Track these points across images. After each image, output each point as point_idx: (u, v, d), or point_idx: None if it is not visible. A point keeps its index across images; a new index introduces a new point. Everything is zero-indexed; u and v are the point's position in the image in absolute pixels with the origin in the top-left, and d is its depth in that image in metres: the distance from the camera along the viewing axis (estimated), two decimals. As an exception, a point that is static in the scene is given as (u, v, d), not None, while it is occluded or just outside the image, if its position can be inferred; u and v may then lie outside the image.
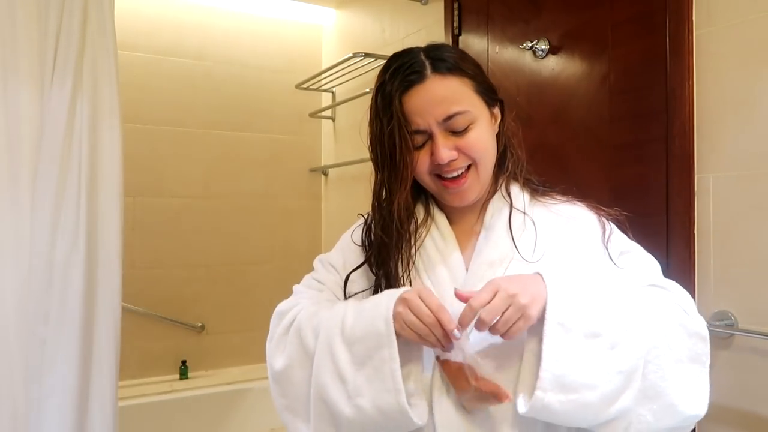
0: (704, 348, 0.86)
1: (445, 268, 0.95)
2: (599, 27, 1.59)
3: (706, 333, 0.87)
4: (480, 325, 0.79)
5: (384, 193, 0.95)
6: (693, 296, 0.93)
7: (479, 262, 0.93)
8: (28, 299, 1.59)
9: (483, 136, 0.93)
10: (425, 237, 0.98)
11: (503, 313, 0.78)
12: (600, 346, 0.79)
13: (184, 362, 2.62)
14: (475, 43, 2.01)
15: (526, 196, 0.99)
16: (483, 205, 0.98)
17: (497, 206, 0.97)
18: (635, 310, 0.83)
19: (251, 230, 2.81)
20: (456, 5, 2.07)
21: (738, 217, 1.30)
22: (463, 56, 0.95)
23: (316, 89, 2.85)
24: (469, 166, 0.93)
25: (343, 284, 1.01)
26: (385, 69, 0.94)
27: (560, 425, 0.84)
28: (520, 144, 1.00)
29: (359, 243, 1.02)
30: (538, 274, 0.83)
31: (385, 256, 0.95)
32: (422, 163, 0.92)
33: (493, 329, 0.79)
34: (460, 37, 2.08)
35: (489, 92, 0.95)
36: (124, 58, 2.34)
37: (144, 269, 2.55)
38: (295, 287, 1.08)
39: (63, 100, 1.63)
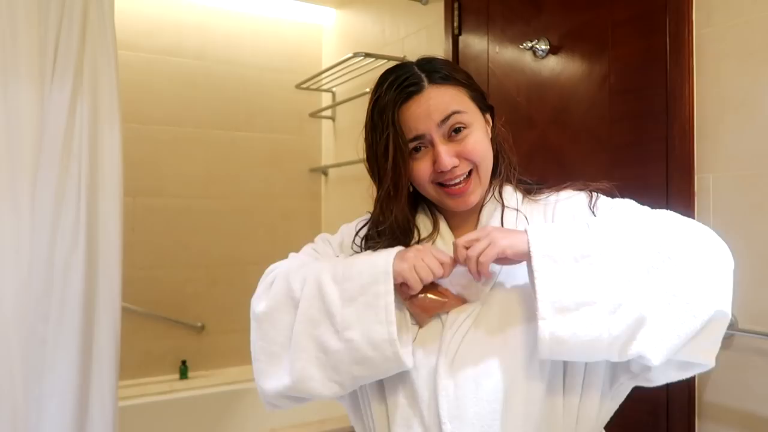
0: (715, 245, 0.83)
1: None
2: (599, 27, 1.59)
3: (714, 234, 0.84)
4: (456, 250, 0.86)
5: (383, 205, 0.96)
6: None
7: None
8: (28, 299, 1.59)
9: (482, 141, 0.95)
10: (434, 243, 1.00)
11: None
12: (592, 264, 0.79)
13: (184, 362, 2.62)
14: (475, 43, 2.01)
15: (519, 195, 1.01)
16: (479, 208, 1.01)
17: (491, 208, 0.99)
18: (627, 226, 0.83)
19: (251, 230, 2.81)
20: (456, 5, 2.07)
21: (738, 217, 1.30)
22: (455, 67, 0.98)
23: (316, 89, 2.85)
24: (470, 172, 0.94)
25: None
26: (380, 83, 0.96)
27: (582, 360, 0.84)
28: (511, 148, 1.04)
29: (362, 236, 1.03)
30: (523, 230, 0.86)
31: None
32: (423, 171, 0.93)
33: (467, 259, 0.85)
34: (460, 37, 2.08)
35: (481, 99, 0.98)
36: (124, 58, 2.34)
37: (144, 269, 2.55)
38: (291, 253, 1.09)
39: (63, 100, 1.63)
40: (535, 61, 1.77)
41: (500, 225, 0.96)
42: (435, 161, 0.92)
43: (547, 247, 0.81)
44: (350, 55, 2.40)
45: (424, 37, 2.27)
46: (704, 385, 1.33)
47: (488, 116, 1.00)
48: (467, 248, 0.86)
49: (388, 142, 0.91)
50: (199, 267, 2.69)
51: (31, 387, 1.59)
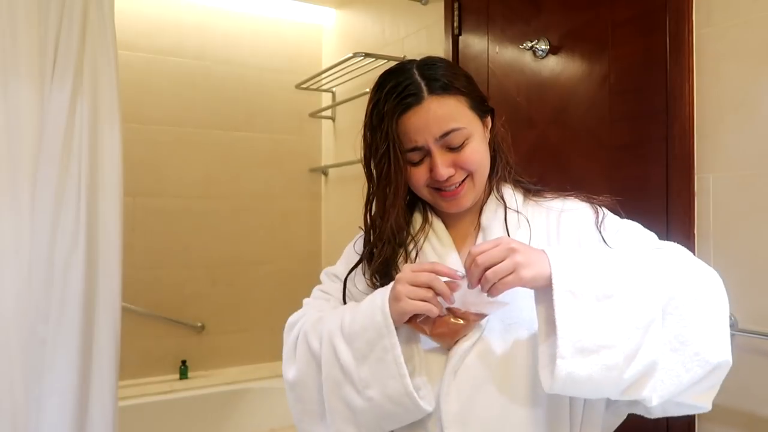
0: (721, 293, 0.85)
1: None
2: (599, 27, 1.59)
3: (718, 278, 0.86)
4: (473, 267, 0.82)
5: (377, 210, 0.99)
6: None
7: None
8: (28, 299, 1.59)
9: (478, 149, 0.96)
10: (423, 242, 1.01)
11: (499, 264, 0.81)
12: (613, 306, 0.78)
13: (184, 362, 2.62)
14: (475, 43, 2.01)
15: (519, 196, 1.02)
16: (478, 208, 1.02)
17: (492, 208, 1.00)
18: (644, 266, 0.83)
19: (251, 230, 2.81)
20: (456, 5, 2.07)
21: (738, 217, 1.30)
22: (455, 72, 0.97)
23: (316, 89, 2.85)
24: (465, 178, 0.96)
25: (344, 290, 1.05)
26: (379, 87, 0.96)
27: (585, 397, 0.85)
28: (509, 148, 1.05)
29: (360, 251, 1.05)
30: (543, 251, 0.83)
31: (385, 270, 0.98)
32: (420, 177, 0.95)
33: (483, 280, 0.81)
34: (460, 37, 2.08)
35: (481, 104, 0.98)
36: (124, 58, 2.34)
37: (144, 269, 2.55)
38: (305, 300, 1.12)
39: (63, 100, 1.63)
40: (535, 61, 1.77)
41: (504, 226, 0.97)
42: (432, 170, 0.93)
43: (569, 282, 0.79)
44: (350, 55, 2.40)
45: (424, 37, 2.27)
46: (704, 385, 1.33)
47: (488, 119, 1.01)
48: (486, 267, 0.82)
49: (388, 151, 0.93)
50: (199, 267, 2.69)
51: (31, 387, 1.59)
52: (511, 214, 0.98)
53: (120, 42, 1.80)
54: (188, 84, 2.67)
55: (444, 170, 0.93)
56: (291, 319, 1.05)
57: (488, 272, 0.81)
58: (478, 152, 0.95)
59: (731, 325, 1.28)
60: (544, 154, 1.72)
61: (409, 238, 1.01)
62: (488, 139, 1.01)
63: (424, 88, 0.92)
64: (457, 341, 0.89)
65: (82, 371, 1.63)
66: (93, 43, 1.69)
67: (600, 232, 0.95)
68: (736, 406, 1.29)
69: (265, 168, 2.85)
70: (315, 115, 2.91)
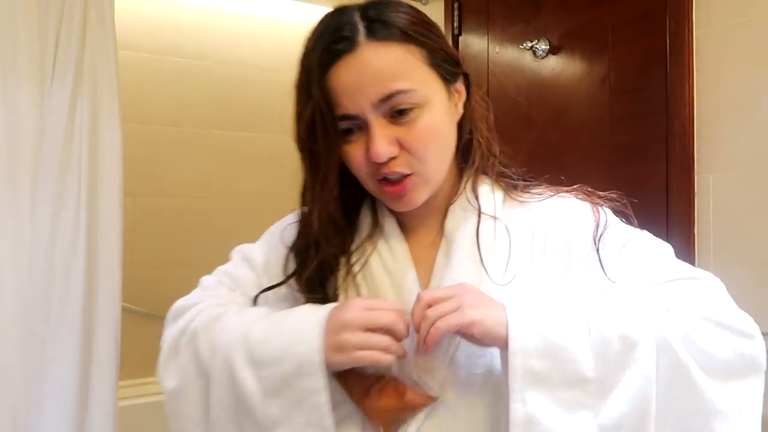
0: (754, 351, 0.66)
1: (396, 295, 0.74)
2: (599, 27, 1.59)
3: (751, 329, 0.68)
4: (415, 305, 0.64)
5: (308, 199, 0.78)
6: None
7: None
8: (28, 299, 1.59)
9: (436, 123, 0.70)
10: (370, 254, 0.76)
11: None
12: (589, 395, 0.60)
13: (184, 362, 2.62)
14: (475, 43, 2.01)
15: (499, 195, 0.77)
16: (440, 207, 0.78)
17: (461, 210, 0.76)
18: (640, 331, 0.62)
19: (251, 230, 2.78)
20: (456, 5, 2.07)
21: (738, 217, 1.30)
22: (416, 17, 0.71)
23: (316, 89, 2.84)
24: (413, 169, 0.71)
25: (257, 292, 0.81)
26: (311, 33, 0.73)
27: None
28: (490, 129, 0.79)
29: (288, 245, 0.82)
30: (501, 305, 0.65)
31: (314, 286, 0.75)
32: (357, 159, 0.71)
33: (424, 319, 0.63)
34: (460, 37, 2.08)
35: (448, 64, 0.73)
36: (124, 58, 2.34)
37: (144, 269, 2.55)
38: (204, 279, 0.90)
39: (63, 100, 1.63)
40: (535, 61, 1.77)
41: (474, 239, 0.72)
42: (368, 148, 0.69)
43: (532, 359, 0.60)
44: (350, 55, 2.39)
45: (424, 37, 2.27)
46: (704, 385, 1.33)
47: (458, 87, 0.75)
48: (429, 305, 0.64)
49: (312, 120, 0.72)
50: (199, 267, 2.67)
51: (31, 387, 1.59)
52: (486, 223, 0.73)
53: (120, 42, 1.80)
54: (188, 84, 2.67)
55: (382, 147, 0.67)
56: (179, 303, 0.86)
57: (430, 309, 0.63)
58: (434, 129, 0.70)
59: (731, 325, 1.28)
60: (544, 154, 1.72)
61: (354, 245, 0.77)
62: (460, 114, 0.76)
63: (362, 30, 0.67)
64: (392, 424, 0.67)
65: (82, 371, 1.63)
66: (93, 43, 1.69)
67: (598, 247, 0.72)
68: (736, 406, 1.28)
69: (265, 168, 2.84)
70: (315, 115, 2.90)
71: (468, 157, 0.77)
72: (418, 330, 0.64)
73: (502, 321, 0.62)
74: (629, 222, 0.78)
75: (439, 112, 0.71)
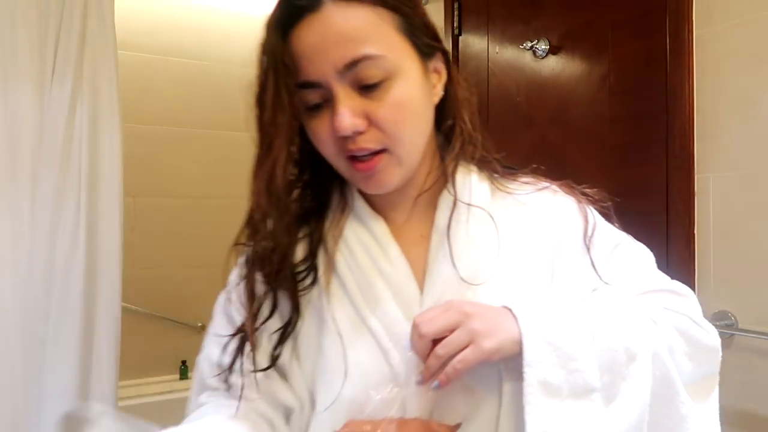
0: (714, 365, 0.70)
1: (391, 293, 0.68)
2: (599, 27, 1.59)
3: (716, 343, 0.70)
4: (415, 338, 0.59)
5: (253, 178, 0.70)
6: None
7: (440, 286, 0.67)
8: (28, 299, 1.59)
9: (409, 97, 0.64)
10: (346, 240, 0.70)
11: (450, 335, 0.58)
12: (594, 405, 0.60)
13: (184, 362, 2.62)
14: (475, 43, 2.01)
15: (486, 185, 0.72)
16: (426, 198, 0.71)
17: (450, 200, 0.70)
18: (638, 343, 0.63)
19: (251, 230, 2.80)
20: (456, 5, 2.07)
21: (738, 217, 1.30)
22: None
23: (316, 89, 2.84)
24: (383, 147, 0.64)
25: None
26: None
27: None
28: (473, 114, 0.72)
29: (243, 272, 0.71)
30: (508, 308, 0.62)
31: (270, 274, 0.68)
32: (323, 135, 0.64)
33: (432, 357, 0.58)
34: (460, 37, 2.08)
35: (424, 35, 0.66)
36: (124, 58, 2.34)
37: (144, 269, 2.55)
38: (198, 377, 0.79)
39: (63, 100, 1.63)
40: (535, 61, 1.77)
41: (465, 231, 0.68)
42: (333, 119, 0.62)
43: (545, 368, 0.58)
44: (350, 55, 2.39)
45: (424, 37, 2.27)
46: (704, 385, 1.33)
47: (436, 64, 0.69)
48: (434, 340, 0.59)
49: (266, 82, 0.66)
50: (199, 267, 2.69)
51: (31, 387, 1.59)
52: (476, 215, 0.69)
53: (120, 42, 1.80)
54: (188, 84, 2.67)
55: (347, 119, 0.61)
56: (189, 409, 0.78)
57: (438, 347, 0.58)
58: (404, 105, 0.63)
59: (731, 325, 1.28)
60: (543, 154, 1.72)
61: (320, 228, 0.70)
62: (438, 96, 0.69)
63: None
64: None
65: (82, 371, 1.63)
66: (93, 43, 1.69)
67: (588, 248, 0.69)
68: (736, 406, 1.28)
69: (265, 168, 2.84)
70: (315, 115, 2.91)
71: (449, 143, 0.72)
72: (423, 360, 0.60)
73: (516, 338, 0.59)
74: (610, 222, 0.75)
75: (413, 85, 0.64)
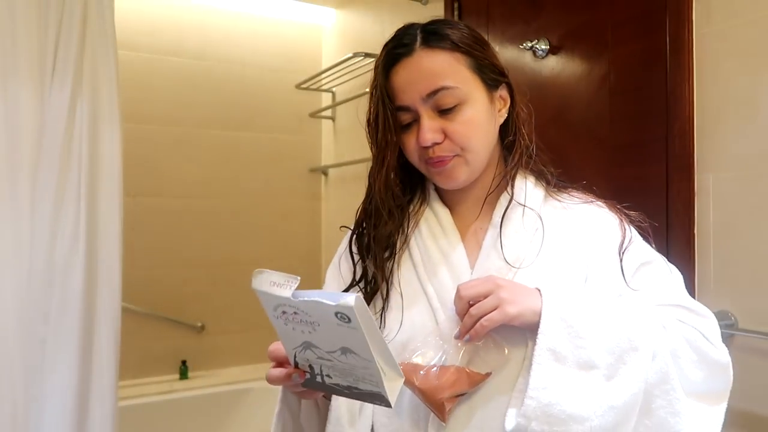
0: (723, 381, 0.81)
1: (447, 268, 0.87)
2: (599, 27, 1.59)
3: (726, 361, 0.81)
4: (456, 300, 0.77)
5: (371, 178, 0.91)
6: (693, 296, 0.91)
7: (487, 265, 0.85)
8: (28, 299, 1.59)
9: (475, 118, 0.85)
10: (420, 223, 0.92)
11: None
12: (594, 378, 0.73)
13: (184, 362, 2.62)
14: (475, 43, 2.01)
15: (540, 191, 0.91)
16: (489, 198, 0.90)
17: (506, 202, 0.88)
18: (642, 338, 0.75)
19: (251, 230, 2.80)
20: (456, 5, 2.07)
21: (738, 217, 1.30)
22: (464, 31, 0.88)
23: (316, 89, 2.85)
24: (456, 154, 0.86)
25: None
26: (385, 43, 0.91)
27: None
28: (531, 133, 0.92)
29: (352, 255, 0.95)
30: (537, 289, 0.78)
31: (369, 242, 0.90)
32: (410, 144, 0.87)
33: (468, 316, 0.75)
34: (460, 37, 2.08)
35: (491, 72, 0.88)
36: (124, 58, 2.34)
37: (144, 269, 2.55)
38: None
39: (63, 100, 1.63)
40: (535, 61, 1.77)
41: (520, 226, 0.86)
42: (418, 134, 0.85)
43: (554, 340, 0.73)
44: (350, 55, 2.40)
45: (424, 37, 2.27)
46: (704, 385, 1.33)
47: (501, 93, 0.90)
48: (471, 304, 0.76)
49: (377, 109, 0.86)
50: (199, 267, 2.69)
51: (31, 387, 1.59)
52: (529, 215, 0.87)
53: (120, 42, 1.80)
54: (188, 84, 2.67)
55: (429, 134, 0.83)
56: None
57: (472, 308, 0.75)
58: (472, 123, 0.84)
59: (731, 325, 1.28)
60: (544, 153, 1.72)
61: (406, 216, 0.92)
62: (503, 118, 0.90)
63: (419, 40, 0.85)
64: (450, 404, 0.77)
65: (82, 371, 1.63)
66: (93, 43, 1.69)
67: (621, 258, 0.85)
68: (736, 406, 1.28)
69: (265, 168, 2.84)
70: (315, 115, 2.91)
71: (510, 156, 0.91)
72: (461, 318, 0.77)
73: (537, 310, 0.74)
74: (648, 242, 0.90)
75: (480, 109, 0.86)
